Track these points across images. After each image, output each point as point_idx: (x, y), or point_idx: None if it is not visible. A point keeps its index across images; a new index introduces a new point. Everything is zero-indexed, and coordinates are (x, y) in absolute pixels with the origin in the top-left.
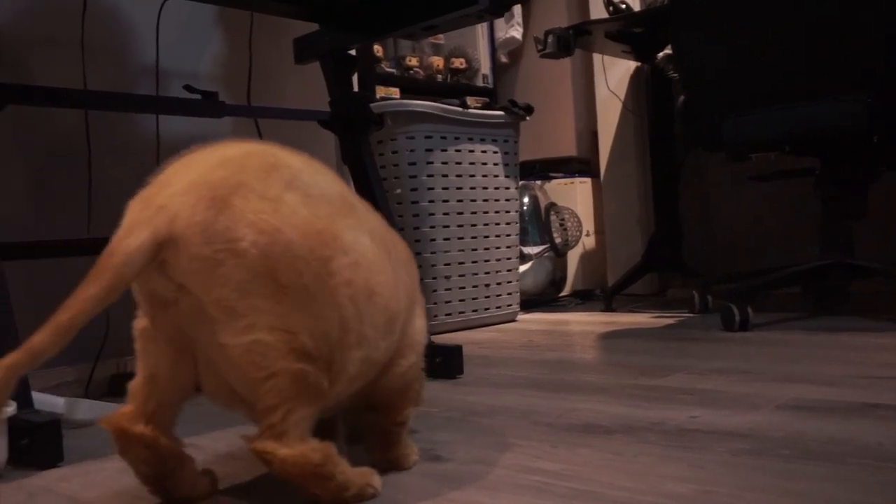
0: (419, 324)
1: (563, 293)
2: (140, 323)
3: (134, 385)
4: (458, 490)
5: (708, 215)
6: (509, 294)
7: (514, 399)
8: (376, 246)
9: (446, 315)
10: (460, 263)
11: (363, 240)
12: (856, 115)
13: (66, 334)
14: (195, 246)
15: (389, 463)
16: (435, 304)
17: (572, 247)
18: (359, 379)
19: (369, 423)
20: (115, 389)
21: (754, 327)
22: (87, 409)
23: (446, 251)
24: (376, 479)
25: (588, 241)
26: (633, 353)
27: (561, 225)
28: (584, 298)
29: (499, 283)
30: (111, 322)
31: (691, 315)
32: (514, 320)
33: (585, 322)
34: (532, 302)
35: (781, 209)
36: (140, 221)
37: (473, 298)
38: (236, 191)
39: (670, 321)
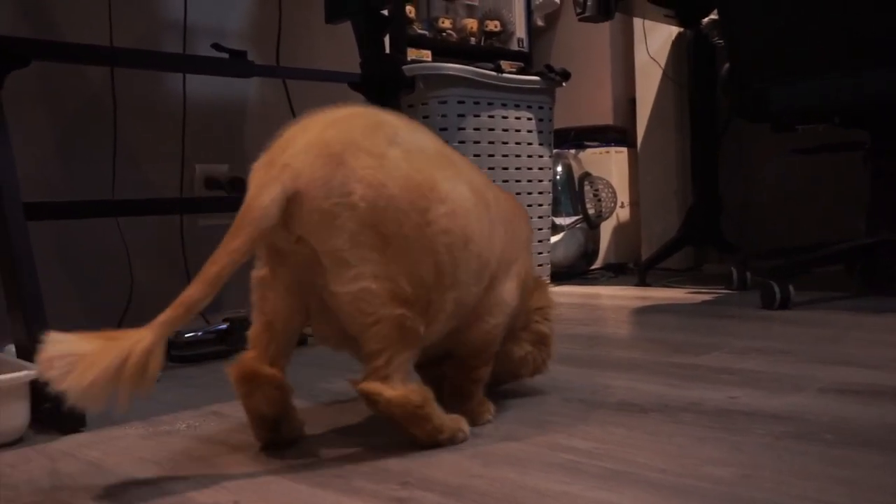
0: (511, 286)
1: (595, 266)
2: (259, 273)
3: (254, 332)
4: (487, 466)
5: (749, 189)
6: (540, 266)
7: (545, 374)
8: (474, 196)
9: None
10: None
11: (460, 189)
12: None
13: (215, 285)
14: (316, 200)
15: (463, 416)
16: None
17: (606, 218)
18: (453, 318)
19: (448, 375)
20: None
21: (795, 306)
22: None
23: None
24: (466, 426)
25: (622, 213)
26: (668, 330)
27: (595, 195)
28: (616, 272)
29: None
30: (135, 289)
31: (729, 292)
32: None
33: (618, 296)
34: (563, 274)
35: (825, 184)
36: (269, 180)
37: None
38: (347, 148)
39: (707, 297)
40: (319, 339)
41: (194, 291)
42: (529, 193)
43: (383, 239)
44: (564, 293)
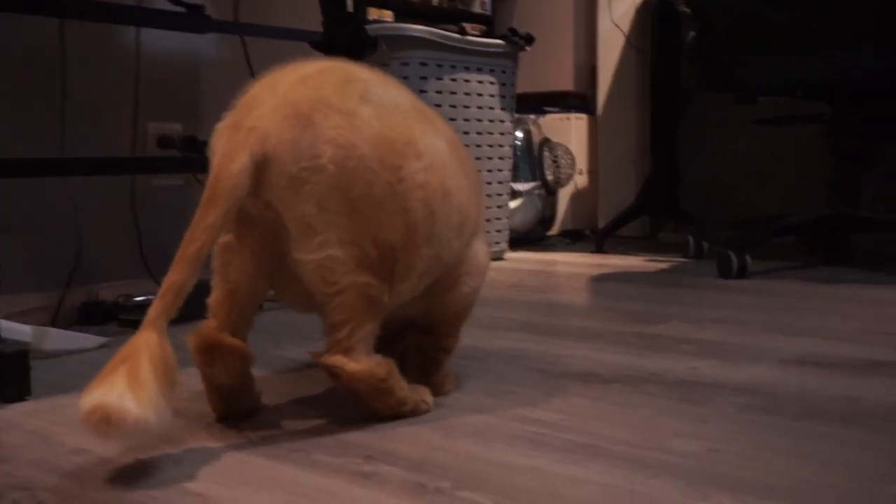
0: (485, 248)
1: (552, 232)
2: (223, 238)
3: (215, 299)
4: (450, 438)
5: (707, 159)
6: (498, 231)
7: (505, 343)
8: (451, 151)
9: None
10: None
11: (438, 143)
12: (875, 68)
13: (197, 264)
14: (285, 164)
15: (427, 387)
16: None
17: (564, 185)
18: (429, 276)
19: (416, 344)
20: (86, 318)
21: (752, 276)
22: (56, 338)
23: None
24: (429, 397)
25: (580, 180)
26: (626, 299)
27: (554, 162)
28: (573, 239)
29: (488, 220)
30: (84, 245)
31: (685, 260)
32: (501, 258)
33: (575, 263)
34: (520, 240)
35: (785, 156)
36: (236, 145)
37: None
38: (316, 107)
39: (663, 266)
40: (286, 301)
41: (178, 275)
42: (490, 159)
43: (351, 202)
44: (521, 259)
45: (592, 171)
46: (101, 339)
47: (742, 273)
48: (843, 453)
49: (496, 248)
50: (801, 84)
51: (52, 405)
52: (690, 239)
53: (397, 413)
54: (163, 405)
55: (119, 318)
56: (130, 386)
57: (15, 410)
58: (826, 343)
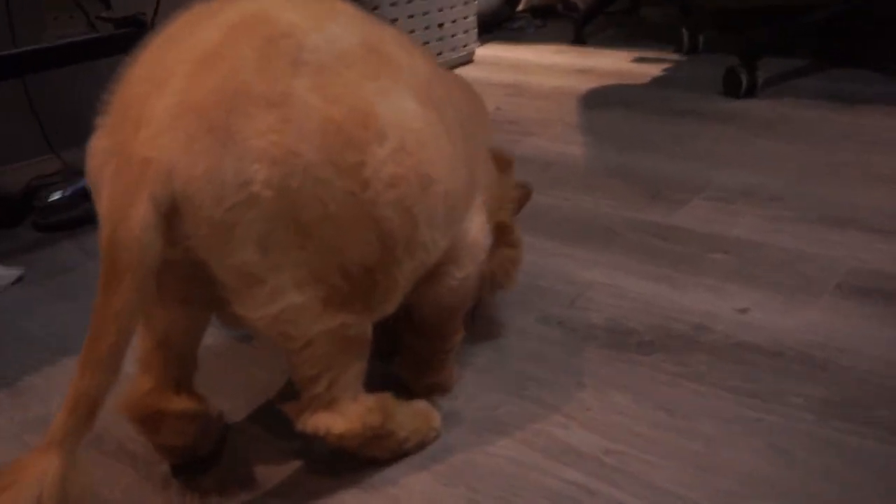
0: (481, 220)
1: (519, 8)
2: None
3: (144, 350)
4: (456, 487)
5: None
6: (465, 32)
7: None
8: (423, 107)
9: None
10: (409, 2)
11: (404, 104)
12: None
13: (112, 364)
14: (204, 208)
15: (429, 389)
16: None
17: None
18: (412, 283)
19: (411, 347)
20: None
21: (762, 92)
22: None
23: None
24: (436, 418)
25: None
26: (628, 147)
27: None
28: (543, 18)
29: (454, 21)
30: None
31: (678, 59)
32: (471, 61)
33: (555, 69)
34: (486, 25)
35: None
36: (128, 188)
37: (425, 42)
38: (235, 105)
39: (656, 72)
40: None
41: (88, 381)
42: None
43: (303, 230)
44: (492, 62)
45: None
46: (15, 273)
47: (752, 91)
48: None
49: (463, 52)
50: None
51: None
52: (684, 33)
53: (401, 452)
54: None
55: (35, 223)
56: None
57: None
58: (878, 245)
